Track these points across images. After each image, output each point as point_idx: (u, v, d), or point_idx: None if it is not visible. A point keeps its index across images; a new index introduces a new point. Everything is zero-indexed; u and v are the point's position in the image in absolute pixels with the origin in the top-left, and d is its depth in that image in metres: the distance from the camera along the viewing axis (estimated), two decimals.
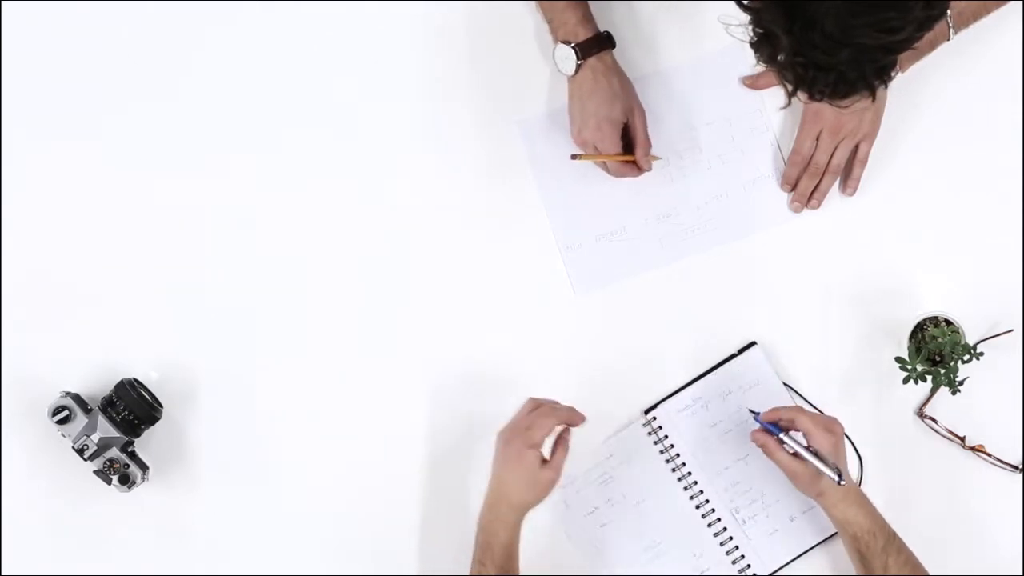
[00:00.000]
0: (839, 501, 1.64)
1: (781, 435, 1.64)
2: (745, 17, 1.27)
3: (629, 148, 1.72)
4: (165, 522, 1.75)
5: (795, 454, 1.64)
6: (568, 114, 1.72)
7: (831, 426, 1.64)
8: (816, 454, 1.61)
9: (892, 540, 1.64)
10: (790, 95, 1.30)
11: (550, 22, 1.71)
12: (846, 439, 1.73)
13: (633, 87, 1.72)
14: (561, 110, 1.75)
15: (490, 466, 1.65)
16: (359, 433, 1.76)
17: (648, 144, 1.72)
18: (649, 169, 1.73)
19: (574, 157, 1.71)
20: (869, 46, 1.22)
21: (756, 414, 1.67)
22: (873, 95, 1.29)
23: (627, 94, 1.70)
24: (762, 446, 1.66)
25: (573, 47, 1.67)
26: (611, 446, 1.76)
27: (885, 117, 1.74)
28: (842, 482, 1.60)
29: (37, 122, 1.78)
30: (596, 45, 1.68)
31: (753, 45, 1.28)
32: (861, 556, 1.64)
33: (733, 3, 1.26)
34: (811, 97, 1.28)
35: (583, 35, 1.68)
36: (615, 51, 1.71)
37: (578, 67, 1.68)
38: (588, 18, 1.69)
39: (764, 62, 1.28)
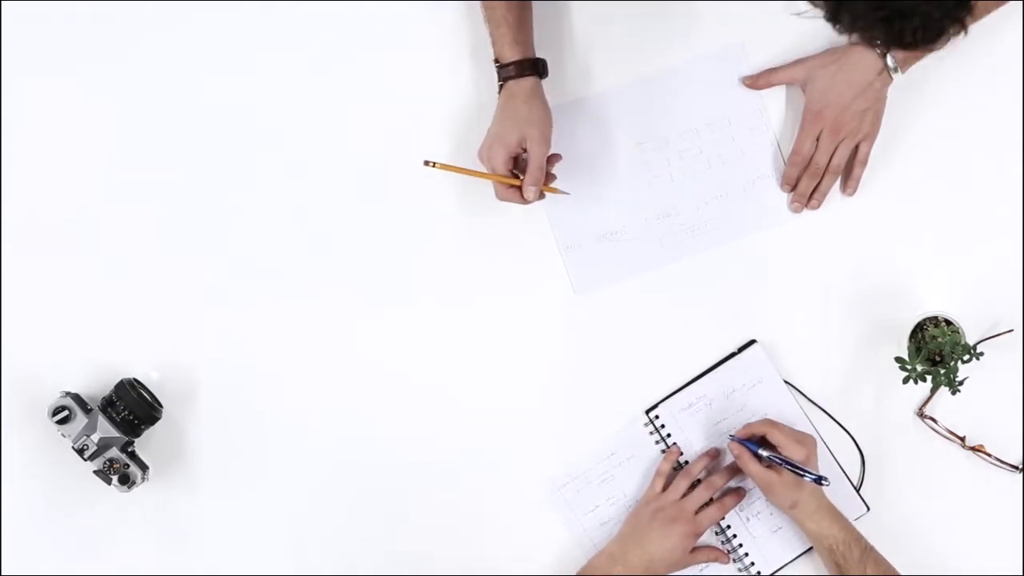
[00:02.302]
0: (813, 513, 1.66)
1: (760, 450, 1.67)
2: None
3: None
4: (165, 522, 1.75)
5: (770, 466, 1.66)
6: None
7: (802, 439, 1.67)
8: (793, 465, 1.64)
9: (868, 551, 1.65)
10: (884, 55, 1.27)
11: (490, 35, 1.69)
12: (851, 438, 1.75)
13: (544, 117, 1.67)
14: (560, 109, 1.74)
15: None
16: (359, 433, 1.76)
17: (538, 175, 1.65)
18: (530, 200, 1.67)
19: (426, 164, 1.68)
20: None
21: (733, 437, 1.70)
22: (964, 27, 1.26)
23: (530, 122, 1.66)
24: (737, 457, 1.69)
25: (497, 67, 1.68)
26: (612, 445, 1.76)
27: (885, 117, 1.74)
28: (825, 482, 1.63)
29: (38, 121, 1.78)
30: (519, 69, 1.67)
31: (830, 17, 1.26)
32: (839, 568, 1.65)
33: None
34: (905, 48, 1.26)
35: (509, 57, 1.66)
36: (548, 79, 1.69)
37: (500, 87, 1.68)
38: (520, 40, 1.67)
39: (851, 30, 1.26)
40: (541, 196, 1.68)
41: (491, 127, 1.69)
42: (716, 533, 1.75)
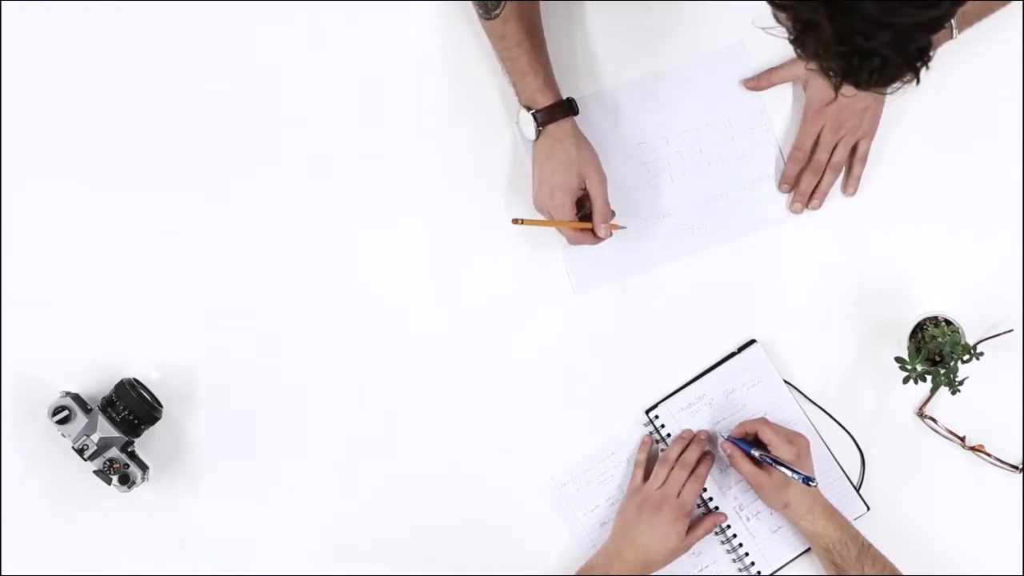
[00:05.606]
0: (806, 513, 1.66)
1: (752, 450, 1.67)
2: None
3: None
4: (165, 522, 1.75)
5: (761, 465, 1.67)
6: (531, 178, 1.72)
7: (793, 438, 1.68)
8: (781, 464, 1.64)
9: (866, 549, 1.65)
10: (837, 88, 1.29)
11: (513, 85, 1.69)
12: (851, 438, 1.75)
13: (594, 154, 1.69)
14: None
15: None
16: (359, 434, 1.76)
17: (606, 212, 1.68)
18: (604, 238, 1.69)
19: (515, 222, 1.68)
20: (909, 25, 1.21)
21: (729, 437, 1.71)
22: (917, 78, 1.27)
23: (584, 161, 1.67)
24: (729, 456, 1.70)
25: (533, 114, 1.67)
26: (612, 445, 1.76)
27: (884, 117, 1.74)
28: (812, 483, 1.63)
29: (38, 125, 1.77)
30: (556, 112, 1.67)
31: (795, 41, 1.27)
32: (836, 568, 1.65)
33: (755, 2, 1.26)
34: (858, 86, 1.27)
35: (543, 102, 1.67)
36: (578, 117, 1.69)
37: (538, 133, 1.68)
38: (549, 84, 1.68)
39: (810, 57, 1.26)
40: (609, 233, 1.70)
41: (541, 174, 1.68)
42: (716, 533, 1.75)
